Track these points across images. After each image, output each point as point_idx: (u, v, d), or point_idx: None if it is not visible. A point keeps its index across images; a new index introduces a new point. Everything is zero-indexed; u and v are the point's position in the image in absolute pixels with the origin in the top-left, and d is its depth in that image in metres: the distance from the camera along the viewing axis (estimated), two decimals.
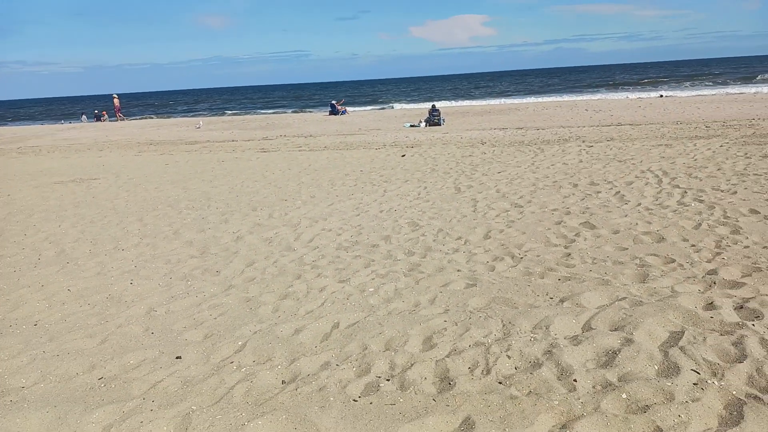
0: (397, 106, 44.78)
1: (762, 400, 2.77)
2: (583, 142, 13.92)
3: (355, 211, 8.04)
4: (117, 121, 38.71)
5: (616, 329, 3.68)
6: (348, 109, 35.03)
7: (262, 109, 52.34)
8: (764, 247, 5.13)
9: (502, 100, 42.06)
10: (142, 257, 6.40)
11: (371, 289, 4.86)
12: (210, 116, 41.41)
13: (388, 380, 3.29)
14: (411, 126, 23.37)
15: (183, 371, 3.62)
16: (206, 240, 7.00)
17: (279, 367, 3.57)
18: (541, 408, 2.89)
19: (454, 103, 40.85)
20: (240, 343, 3.97)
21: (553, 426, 2.76)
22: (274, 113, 42.90)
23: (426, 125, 22.95)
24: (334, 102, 35.13)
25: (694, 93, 35.65)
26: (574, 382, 3.10)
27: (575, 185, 8.71)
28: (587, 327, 3.77)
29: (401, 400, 3.08)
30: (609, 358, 3.32)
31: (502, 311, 4.14)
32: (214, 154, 16.44)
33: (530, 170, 10.38)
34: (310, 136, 20.78)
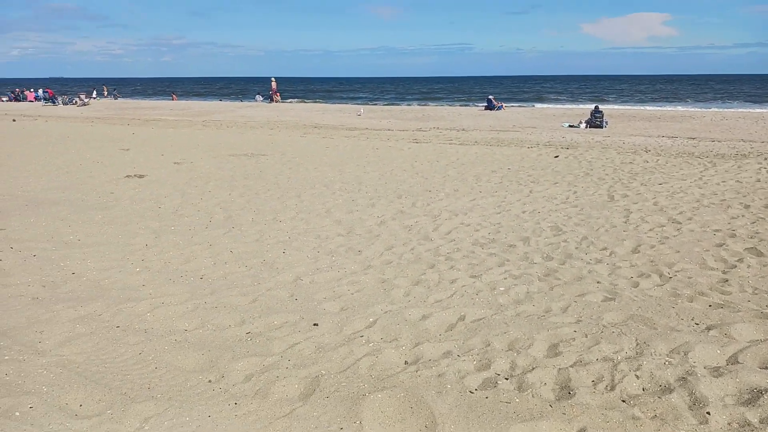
0: (556, 104, 43.11)
1: None
2: (765, 159, 12.43)
3: (497, 209, 8.02)
4: (271, 102, 41.46)
5: (767, 368, 3.36)
6: (505, 105, 34.45)
7: (419, 99, 53.29)
8: None
9: (676, 107, 38.64)
10: (295, 230, 6.98)
11: (502, 288, 4.88)
12: (371, 104, 43.08)
13: (506, 379, 3.33)
14: (569, 126, 22.43)
15: (318, 338, 3.96)
16: (353, 221, 7.43)
17: (404, 347, 3.76)
18: None
19: (620, 106, 38.35)
20: (371, 319, 4.23)
21: None
22: (430, 105, 43.50)
23: (586, 126, 21.88)
24: (491, 97, 34.75)
25: None
26: (707, 415, 2.90)
27: (747, 206, 7.87)
28: (733, 360, 3.48)
29: (517, 400, 3.11)
30: (753, 397, 3.05)
31: (638, 330, 3.95)
32: (370, 141, 17.17)
33: (696, 185, 9.54)
34: (463, 129, 20.84)
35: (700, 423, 2.85)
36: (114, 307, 4.49)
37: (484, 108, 33.68)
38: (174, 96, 50.05)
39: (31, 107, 35.74)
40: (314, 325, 4.18)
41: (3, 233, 6.71)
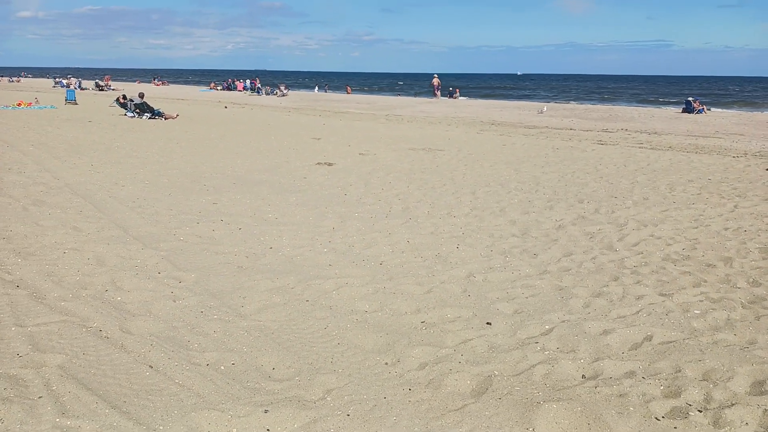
0: None
1: None
2: None
3: (693, 223, 7.27)
4: (433, 98, 41.29)
5: None
6: (707, 108, 30.98)
7: (607, 98, 50.07)
8: None
9: None
10: (469, 227, 7.02)
11: (697, 311, 4.43)
12: (553, 102, 41.50)
13: (699, 411, 3.03)
14: None
15: (491, 337, 3.95)
16: (528, 222, 7.26)
17: (581, 360, 3.61)
18: None
19: None
20: (547, 327, 4.12)
21: None
22: (618, 105, 40.66)
23: None
24: (690, 99, 31.47)
25: None
26: None
27: None
28: None
29: None
30: None
31: None
32: (550, 141, 16.57)
33: None
34: (655, 133, 19.18)
35: None
36: (304, 283, 4.92)
37: (681, 110, 30.65)
38: (348, 89, 52.45)
39: (240, 96, 40.25)
40: (487, 323, 4.18)
41: (215, 207, 7.68)
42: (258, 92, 43.62)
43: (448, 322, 4.21)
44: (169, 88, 53.66)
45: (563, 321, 4.23)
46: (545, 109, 30.76)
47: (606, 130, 19.93)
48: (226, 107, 28.34)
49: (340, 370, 3.46)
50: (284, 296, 4.63)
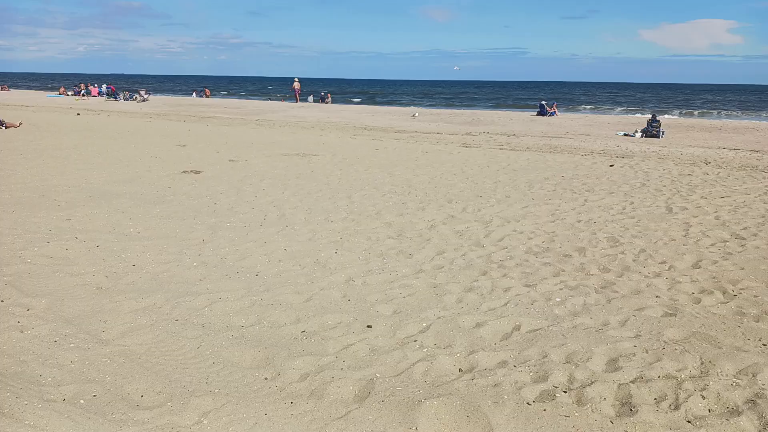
0: (611, 112, 42.07)
1: None
2: None
3: (551, 217, 7.87)
4: (296, 102, 41.27)
5: None
6: (557, 112, 33.83)
7: (469, 103, 52.89)
8: None
9: (739, 119, 37.14)
10: (347, 231, 7.03)
11: (558, 299, 4.78)
12: (421, 107, 43.02)
13: (565, 392, 3.26)
14: (624, 135, 21.84)
15: (371, 340, 3.97)
16: (403, 224, 7.43)
17: (458, 355, 3.73)
18: None
19: (678, 116, 37.13)
20: (424, 324, 4.22)
21: None
22: (480, 109, 43.14)
23: (642, 136, 21.26)
24: (544, 102, 34.18)
25: None
26: None
27: None
28: None
29: (576, 414, 3.04)
30: None
31: (702, 348, 3.80)
32: (419, 144, 17.15)
33: (762, 199, 9.13)
34: (514, 135, 20.57)
35: None
36: (173, 301, 4.63)
37: (536, 113, 33.18)
38: (207, 92, 50.50)
39: (95, 102, 37.26)
40: (368, 327, 4.20)
41: (69, 223, 7.01)
42: (115, 97, 40.73)
43: (329, 329, 4.17)
44: (9, 93, 48.36)
45: (439, 317, 4.36)
46: (417, 113, 31.83)
47: (470, 134, 21.03)
48: (78, 114, 26.10)
49: (216, 391, 3.29)
50: (151, 317, 4.32)
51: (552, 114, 32.15)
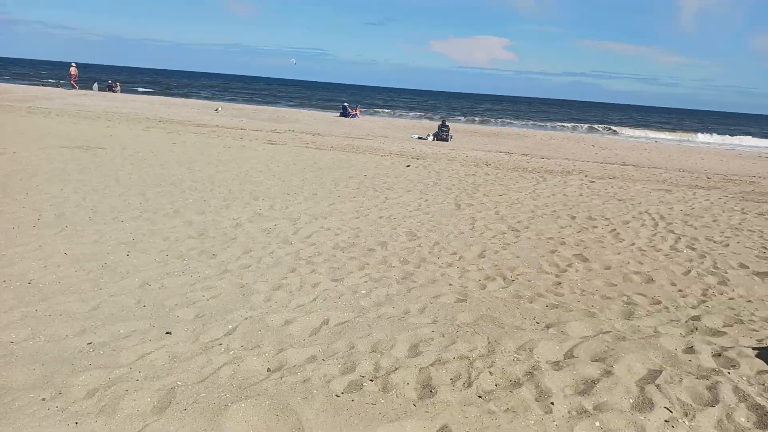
0: (407, 116, 45.01)
1: None
2: (586, 176, 14.05)
3: (355, 214, 8.13)
4: (72, 89, 37.78)
5: (597, 360, 3.77)
6: (359, 114, 35.15)
7: (274, 101, 52.48)
8: (748, 301, 5.24)
9: (511, 127, 42.34)
10: (140, 231, 6.47)
11: (363, 291, 4.94)
12: (223, 102, 41.46)
13: (371, 381, 3.37)
14: (418, 138, 23.52)
15: (172, 347, 3.69)
16: (206, 222, 7.07)
17: (266, 354, 3.65)
18: (517, 426, 2.98)
19: (464, 122, 41.09)
20: (230, 326, 4.05)
21: None
22: (284, 108, 43.05)
23: (433, 139, 23.09)
24: (346, 104, 35.27)
25: (701, 142, 35.95)
26: (551, 405, 3.19)
27: (573, 217, 8.82)
28: (569, 354, 3.86)
29: (382, 401, 3.16)
30: (587, 387, 3.41)
31: (488, 329, 4.23)
32: (222, 140, 16.51)
33: (531, 197, 10.50)
34: (318, 134, 20.89)
35: (546, 413, 3.12)
36: None
37: (339, 114, 34.08)
38: None
39: None
40: (167, 333, 3.89)
41: None
42: None
43: (121, 339, 3.78)
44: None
45: (246, 318, 4.22)
46: (220, 108, 30.58)
47: (275, 131, 20.84)
48: None
49: None
50: None
51: (354, 116, 33.34)
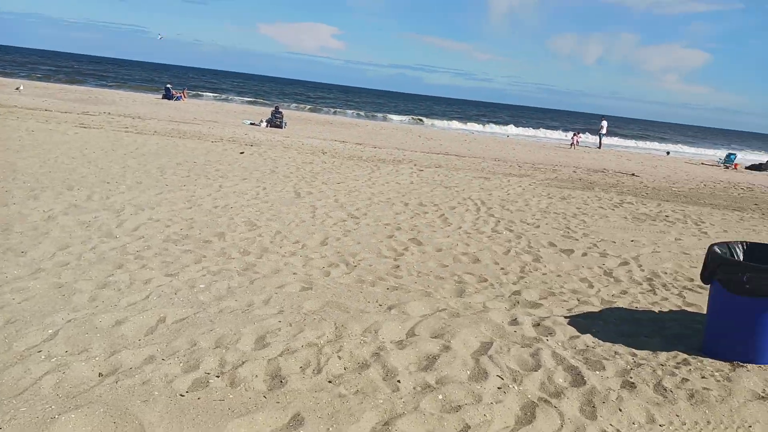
0: (236, 101, 43.55)
1: (551, 403, 3.24)
2: (415, 165, 14.82)
3: (187, 204, 7.70)
4: None
5: (436, 337, 4.02)
6: (184, 97, 33.19)
7: (80, 81, 47.39)
8: (558, 275, 5.95)
9: (344, 116, 43.09)
10: None
11: (202, 286, 4.72)
12: (23, 80, 36.37)
13: (217, 377, 3.24)
14: (251, 124, 22.92)
15: None
16: (10, 216, 6.20)
17: (96, 358, 3.32)
18: (367, 406, 3.07)
19: (295, 109, 40.87)
20: (50, 331, 3.61)
21: (377, 423, 2.95)
22: (98, 87, 39.14)
23: (267, 125, 22.67)
24: (170, 86, 33.09)
25: (512, 134, 39.87)
26: (398, 383, 3.33)
27: (406, 204, 9.26)
28: (411, 333, 4.07)
29: (231, 396, 3.05)
30: (429, 363, 3.62)
31: (335, 315, 4.28)
32: (23, 122, 14.55)
33: (367, 185, 10.81)
34: (139, 117, 19.36)
35: (393, 391, 3.26)
36: None
37: (161, 97, 31.88)
38: None
39: None
40: None
41: None
42: None
43: None
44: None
45: (69, 320, 3.79)
46: (22, 87, 26.84)
47: (87, 113, 18.89)
48: None
49: None
50: None
51: (179, 98, 31.45)
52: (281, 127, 22.61)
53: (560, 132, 46.95)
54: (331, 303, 4.56)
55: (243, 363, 3.41)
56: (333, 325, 4.08)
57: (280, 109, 24.19)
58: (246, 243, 6.13)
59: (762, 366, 3.76)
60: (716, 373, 3.68)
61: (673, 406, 3.28)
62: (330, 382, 3.30)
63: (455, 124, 45.68)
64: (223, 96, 48.09)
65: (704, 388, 3.47)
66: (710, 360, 3.87)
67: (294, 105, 46.59)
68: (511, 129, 46.29)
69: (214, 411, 2.90)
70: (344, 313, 4.36)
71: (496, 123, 51.53)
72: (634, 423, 3.11)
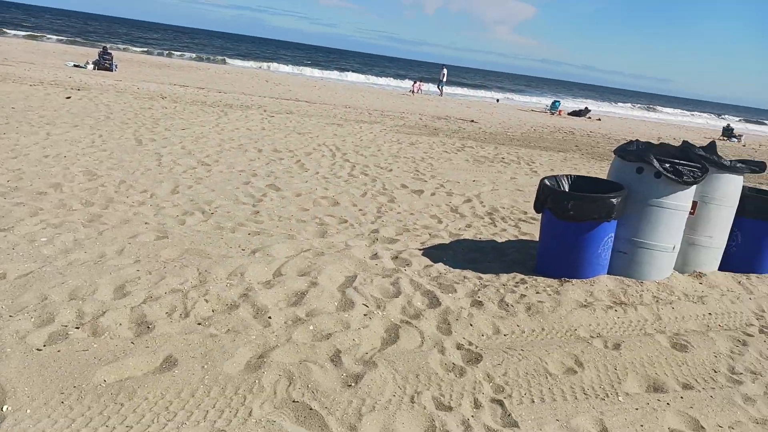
0: (51, 40, 38.57)
1: (412, 324, 3.55)
2: (265, 111, 14.48)
3: (11, 153, 6.87)
4: None
5: (303, 275, 4.15)
6: None
7: None
8: (411, 214, 6.34)
9: (182, 60, 40.25)
10: None
11: (44, 239, 4.34)
12: None
13: (77, 328, 3.08)
14: (75, 66, 20.60)
15: None
16: None
17: None
18: (240, 343, 3.13)
19: (123, 50, 37.25)
20: None
21: (252, 356, 3.03)
22: None
23: (95, 68, 20.53)
24: None
25: (361, 82, 40.21)
26: (269, 319, 3.43)
27: (260, 150, 9.11)
28: (278, 273, 4.15)
29: (95, 345, 2.93)
30: (298, 298, 3.75)
31: (197, 261, 4.21)
32: None
33: (215, 131, 10.39)
34: None
35: (265, 327, 3.35)
36: None
37: None
38: None
39: None
40: None
41: None
42: None
43: None
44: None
45: None
46: None
47: None
48: None
49: None
50: None
51: None
52: (112, 70, 20.62)
53: (408, 81, 48.31)
54: (190, 250, 4.46)
55: (104, 313, 3.26)
56: (196, 270, 4.02)
57: (109, 50, 21.98)
58: (87, 194, 5.68)
59: (583, 280, 4.43)
60: (548, 289, 4.27)
61: (514, 318, 3.77)
62: (199, 324, 3.30)
63: (306, 71, 44.91)
64: (38, 34, 42.24)
65: (539, 302, 4.02)
66: (543, 278, 4.47)
67: (123, 46, 42.38)
68: (359, 77, 46.62)
69: (79, 361, 2.78)
70: (206, 259, 4.30)
71: (345, 70, 51.51)
72: (483, 335, 3.53)
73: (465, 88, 50.57)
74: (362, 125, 14.12)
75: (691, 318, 4.12)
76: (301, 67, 47.46)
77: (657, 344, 3.63)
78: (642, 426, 2.80)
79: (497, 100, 39.58)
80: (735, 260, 5.00)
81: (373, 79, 47.25)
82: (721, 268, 4.98)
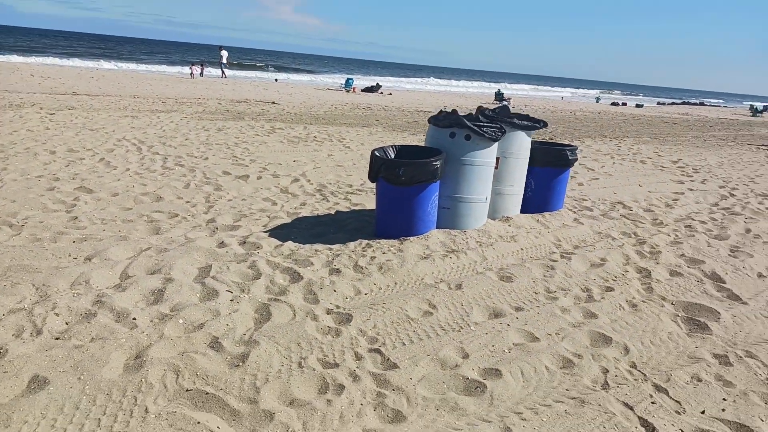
0: None
1: (280, 300, 3.70)
2: (42, 108, 12.91)
3: None
4: None
5: (153, 273, 4.01)
6: None
7: None
8: (243, 199, 6.34)
9: None
10: None
11: None
12: None
13: None
14: None
15: None
16: None
17: None
18: (110, 348, 3.01)
19: None
20: None
21: (128, 358, 2.94)
22: None
23: None
24: None
25: (129, 70, 37.27)
26: (134, 321, 3.31)
27: (53, 152, 8.21)
28: (125, 276, 3.96)
29: None
30: (157, 296, 3.65)
31: (28, 277, 3.83)
32: None
33: None
34: None
35: (132, 329, 3.23)
36: None
37: None
38: None
39: None
40: None
41: None
42: None
43: None
44: None
45: None
46: None
47: None
48: None
49: None
50: None
51: None
52: None
53: (186, 67, 45.96)
54: (13, 267, 4.02)
55: None
56: (31, 286, 3.67)
57: None
58: None
59: (419, 236, 4.94)
60: (392, 248, 4.70)
61: (370, 278, 4.12)
62: (57, 339, 3.08)
63: (76, 61, 40.21)
64: None
65: (387, 261, 4.42)
66: (385, 240, 4.89)
67: None
68: (138, 66, 43.20)
69: None
70: (37, 273, 3.92)
71: (122, 58, 47.26)
72: (347, 297, 3.82)
73: (247, 70, 49.90)
74: (159, 115, 13.35)
75: (509, 254, 4.87)
76: (71, 58, 42.49)
77: (489, 279, 4.27)
78: (494, 346, 3.35)
79: (276, 80, 39.25)
80: (532, 203, 5.97)
81: (153, 66, 44.17)
82: (522, 211, 5.90)
